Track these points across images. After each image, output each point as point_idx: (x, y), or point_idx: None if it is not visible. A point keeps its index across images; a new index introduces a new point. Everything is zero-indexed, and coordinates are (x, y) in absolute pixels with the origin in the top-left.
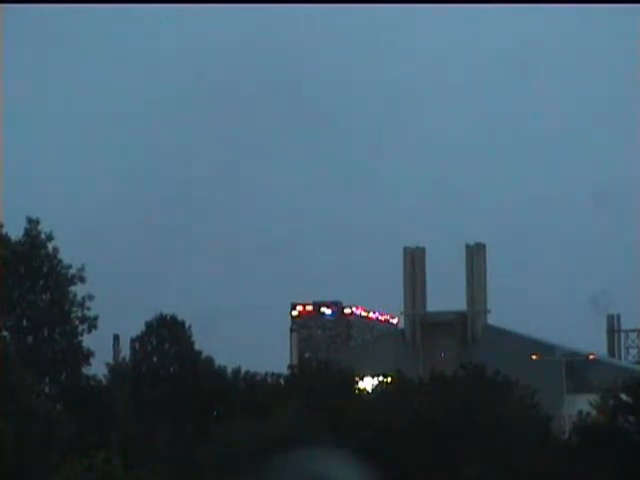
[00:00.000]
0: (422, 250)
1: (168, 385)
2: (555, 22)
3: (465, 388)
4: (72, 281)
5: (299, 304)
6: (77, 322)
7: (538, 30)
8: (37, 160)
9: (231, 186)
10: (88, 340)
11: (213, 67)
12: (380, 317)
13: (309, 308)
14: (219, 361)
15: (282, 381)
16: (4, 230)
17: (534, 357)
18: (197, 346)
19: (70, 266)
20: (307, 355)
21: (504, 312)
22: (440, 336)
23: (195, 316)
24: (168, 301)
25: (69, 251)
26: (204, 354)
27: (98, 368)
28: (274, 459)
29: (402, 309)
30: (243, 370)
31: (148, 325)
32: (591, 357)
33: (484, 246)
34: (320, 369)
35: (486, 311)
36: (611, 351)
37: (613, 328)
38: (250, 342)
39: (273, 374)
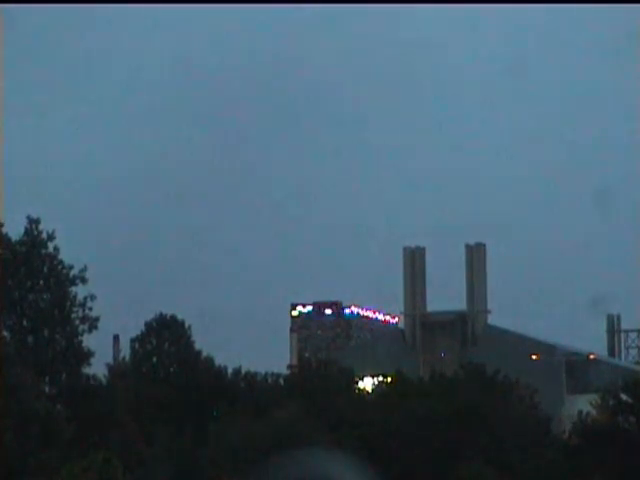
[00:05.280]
0: (422, 250)
1: (168, 385)
2: (556, 23)
3: (465, 388)
4: (73, 281)
5: (299, 304)
6: (77, 322)
7: (539, 29)
8: (37, 160)
9: (232, 186)
10: (88, 340)
11: (215, 67)
12: (380, 317)
13: (309, 308)
14: (219, 361)
15: (282, 381)
16: (4, 230)
17: (534, 357)
18: (197, 346)
19: (72, 267)
20: (307, 355)
21: (504, 312)
22: (440, 336)
23: (195, 316)
24: (168, 301)
25: (69, 251)
26: (204, 354)
27: (98, 368)
28: (274, 459)
29: (402, 309)
30: (243, 370)
31: (148, 325)
32: (591, 357)
33: (484, 246)
34: (320, 369)
35: (486, 311)
36: (611, 351)
37: (613, 328)
38: (250, 342)
39: (273, 374)
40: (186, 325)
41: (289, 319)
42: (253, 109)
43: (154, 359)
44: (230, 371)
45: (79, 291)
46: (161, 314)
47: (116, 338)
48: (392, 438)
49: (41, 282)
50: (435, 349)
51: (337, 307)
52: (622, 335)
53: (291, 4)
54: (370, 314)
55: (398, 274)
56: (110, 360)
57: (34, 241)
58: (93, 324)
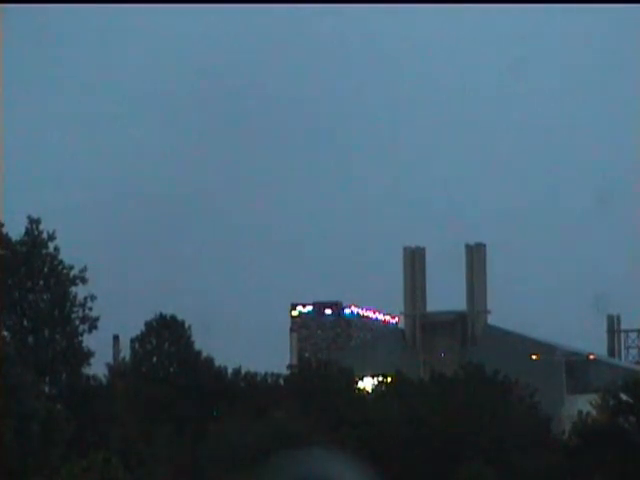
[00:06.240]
0: (422, 250)
1: (168, 385)
2: (557, 24)
3: (465, 388)
4: (73, 281)
5: (299, 304)
6: (77, 322)
7: (539, 32)
8: (38, 160)
9: (231, 186)
10: (88, 340)
11: (213, 67)
12: (380, 317)
13: (309, 308)
14: (219, 361)
15: (282, 381)
16: (4, 230)
17: (534, 357)
18: (197, 346)
19: (72, 267)
20: (307, 355)
21: (504, 312)
22: (440, 336)
23: (195, 316)
24: (168, 301)
25: (69, 251)
26: (204, 354)
27: (98, 368)
28: (274, 459)
29: (402, 309)
30: (243, 370)
31: (148, 325)
32: (591, 357)
33: (484, 246)
34: (320, 369)
35: (486, 311)
36: (611, 351)
37: (613, 328)
38: (250, 342)
39: (273, 374)
40: (186, 325)
41: (289, 319)
42: (254, 109)
43: (154, 359)
44: (230, 371)
45: (79, 291)
46: (161, 314)
47: (116, 338)
48: (392, 438)
49: (41, 282)
50: (435, 349)
51: (337, 307)
52: (622, 335)
53: (291, 4)
54: (370, 314)
55: (398, 274)
56: (110, 360)
57: (34, 241)
58: (93, 324)
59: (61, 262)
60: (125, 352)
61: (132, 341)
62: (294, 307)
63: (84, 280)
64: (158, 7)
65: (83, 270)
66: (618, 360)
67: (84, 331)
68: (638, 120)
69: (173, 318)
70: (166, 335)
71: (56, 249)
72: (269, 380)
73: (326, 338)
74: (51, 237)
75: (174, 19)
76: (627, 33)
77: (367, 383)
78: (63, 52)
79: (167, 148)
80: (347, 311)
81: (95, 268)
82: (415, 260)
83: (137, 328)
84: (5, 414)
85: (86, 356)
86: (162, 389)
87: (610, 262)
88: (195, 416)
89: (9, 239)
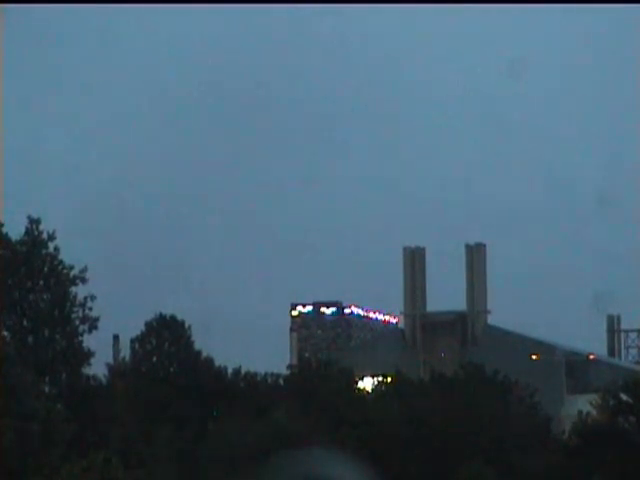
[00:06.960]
0: (422, 250)
1: (168, 385)
2: (557, 24)
3: (465, 388)
4: (73, 282)
5: (299, 304)
6: (77, 322)
7: (539, 32)
8: (38, 160)
9: (231, 186)
10: (88, 340)
11: (213, 67)
12: (380, 317)
13: (309, 308)
14: (219, 361)
15: (282, 381)
16: (4, 230)
17: (534, 357)
18: (197, 346)
19: (72, 267)
20: (307, 355)
21: (504, 312)
22: (440, 336)
23: (195, 316)
24: (168, 301)
25: (69, 251)
26: (204, 354)
27: (98, 368)
28: (274, 459)
29: (402, 309)
30: (243, 370)
31: (148, 325)
32: (591, 357)
33: (484, 246)
34: (320, 369)
35: (486, 311)
36: (611, 351)
37: (613, 328)
38: (250, 342)
39: (273, 374)
40: (186, 325)
41: (289, 319)
42: (253, 108)
43: (154, 359)
44: (230, 371)
45: (79, 291)
46: (161, 314)
47: (116, 338)
48: (392, 438)
49: (41, 282)
50: (435, 349)
51: (337, 307)
52: (622, 335)
53: (291, 4)
54: (370, 314)
55: (398, 274)
56: (110, 360)
57: (34, 241)
58: (93, 324)
59: (61, 262)
60: (125, 352)
61: (132, 341)
62: (294, 307)
63: (84, 280)
64: (158, 7)
65: (83, 270)
66: (618, 360)
67: (84, 331)
68: (638, 120)
69: (173, 318)
70: (166, 335)
71: (56, 249)
72: (269, 380)
73: (326, 338)
74: (51, 237)
75: (174, 19)
76: (627, 33)
77: (367, 383)
78: (63, 52)
79: (167, 148)
80: (347, 311)
81: (95, 268)
82: (415, 260)
83: (137, 328)
84: (5, 414)
85: (86, 356)
86: (162, 389)
87: (610, 262)
88: (195, 416)
89: (9, 239)
